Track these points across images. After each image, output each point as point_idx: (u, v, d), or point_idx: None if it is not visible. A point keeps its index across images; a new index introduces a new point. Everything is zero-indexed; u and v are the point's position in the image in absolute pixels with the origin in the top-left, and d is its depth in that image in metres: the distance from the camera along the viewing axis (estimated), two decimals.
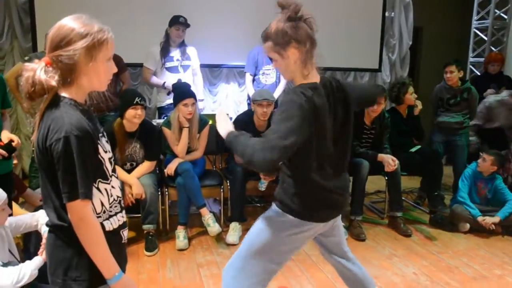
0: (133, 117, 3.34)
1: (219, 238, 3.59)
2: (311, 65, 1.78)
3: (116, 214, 1.50)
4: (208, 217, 3.48)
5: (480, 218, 3.86)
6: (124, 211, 1.55)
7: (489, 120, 4.64)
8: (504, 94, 4.63)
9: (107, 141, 1.49)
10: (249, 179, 3.72)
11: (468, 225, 3.95)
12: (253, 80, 4.74)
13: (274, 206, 1.85)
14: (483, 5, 6.21)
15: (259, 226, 1.86)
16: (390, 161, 3.89)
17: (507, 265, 3.38)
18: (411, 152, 4.33)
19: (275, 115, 1.73)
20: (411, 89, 4.32)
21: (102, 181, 1.42)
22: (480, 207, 3.99)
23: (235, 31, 5.07)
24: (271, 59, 1.82)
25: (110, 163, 1.46)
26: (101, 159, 1.41)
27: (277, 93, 4.62)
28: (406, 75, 4.37)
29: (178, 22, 4.27)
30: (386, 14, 5.91)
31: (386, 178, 4.05)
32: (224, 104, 5.44)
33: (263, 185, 3.63)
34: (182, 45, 4.44)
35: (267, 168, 1.59)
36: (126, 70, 4.23)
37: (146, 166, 3.53)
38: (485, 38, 6.16)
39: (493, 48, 6.12)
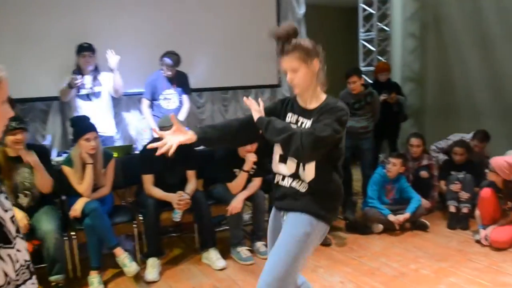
0: (12, 143, 3.05)
1: (138, 277, 3.35)
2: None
3: (24, 282, 1.24)
4: (123, 257, 3.25)
5: (391, 216, 4.04)
6: (34, 277, 1.29)
7: None
8: None
9: (6, 198, 1.24)
10: (162, 211, 3.55)
11: (381, 226, 4.11)
12: (152, 106, 4.59)
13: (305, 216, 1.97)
14: (367, 18, 6.64)
15: (295, 236, 1.96)
16: None
17: (420, 259, 3.55)
18: None
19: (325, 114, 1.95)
20: None
21: (4, 246, 1.15)
22: (390, 208, 4.18)
23: (133, 56, 4.87)
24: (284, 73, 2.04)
25: (13, 222, 1.21)
26: (0, 221, 1.16)
27: (181, 117, 4.50)
28: None
29: (82, 49, 4.16)
30: None
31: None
32: (127, 134, 5.18)
33: (177, 215, 3.47)
34: (94, 71, 4.26)
35: (314, 147, 1.85)
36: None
37: None
38: (372, 48, 6.58)
39: (380, 58, 6.55)
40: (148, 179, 3.54)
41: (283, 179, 2.08)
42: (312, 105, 2.04)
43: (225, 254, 3.65)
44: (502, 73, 5.79)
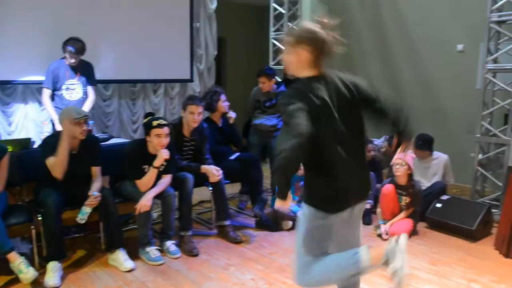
0: None
1: (36, 283, 3.06)
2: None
3: None
4: (19, 262, 2.97)
5: (300, 213, 4.13)
6: None
7: None
8: None
9: None
10: (64, 210, 3.29)
11: (290, 222, 4.19)
12: (54, 97, 4.27)
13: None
14: (278, 18, 6.73)
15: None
16: (214, 172, 3.91)
17: None
18: (231, 160, 4.41)
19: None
20: (223, 97, 4.41)
21: None
22: (298, 204, 4.27)
23: (32, 42, 4.48)
24: None
25: None
26: None
27: (86, 108, 4.24)
28: (213, 84, 4.47)
29: None
30: (193, 25, 5.95)
31: (211, 188, 4.04)
32: (23, 126, 4.77)
33: (84, 215, 3.25)
34: None
35: None
36: None
37: None
38: (283, 47, 6.67)
39: None
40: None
41: None
42: None
43: (133, 255, 3.50)
44: (399, 79, 6.21)
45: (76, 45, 4.19)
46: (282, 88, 4.85)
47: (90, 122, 4.34)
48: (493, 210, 4.26)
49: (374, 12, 6.50)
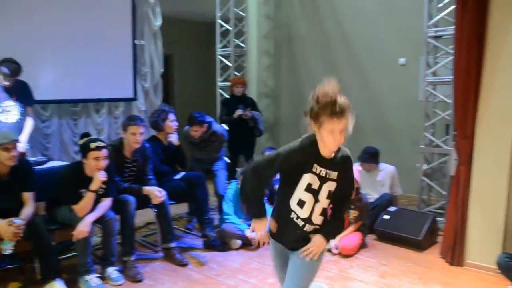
0: None
1: None
2: None
3: None
4: None
5: (248, 232, 4.05)
6: None
7: None
8: None
9: None
10: None
11: (239, 242, 4.09)
12: None
13: None
14: (224, 34, 6.71)
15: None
16: (156, 193, 3.77)
17: None
18: (176, 180, 4.28)
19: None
20: (171, 117, 4.28)
21: None
22: (246, 222, 4.19)
23: None
24: None
25: None
26: None
27: (26, 132, 4.00)
28: (162, 103, 4.34)
29: None
30: (136, 42, 5.81)
31: (155, 210, 3.89)
32: None
33: (7, 246, 2.99)
34: None
35: None
36: None
37: None
38: (229, 64, 6.66)
39: (236, 73, 6.65)
40: None
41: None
42: (332, 155, 2.14)
43: (73, 284, 3.30)
44: (345, 93, 6.22)
45: (10, 67, 3.96)
46: (215, 128, 4.73)
47: (26, 145, 4.12)
48: (439, 219, 4.32)
49: (319, 28, 6.59)
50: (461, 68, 3.56)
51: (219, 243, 4.10)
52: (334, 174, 2.12)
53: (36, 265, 3.38)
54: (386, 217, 4.26)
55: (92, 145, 3.31)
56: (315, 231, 2.15)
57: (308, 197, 2.11)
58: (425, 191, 4.86)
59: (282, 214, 2.18)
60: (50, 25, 4.90)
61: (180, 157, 4.51)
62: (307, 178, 2.09)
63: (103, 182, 3.40)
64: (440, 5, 4.67)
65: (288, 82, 7.10)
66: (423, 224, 4.01)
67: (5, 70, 3.91)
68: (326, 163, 2.11)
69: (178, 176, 4.31)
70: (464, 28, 3.50)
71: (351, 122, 2.08)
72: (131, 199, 3.67)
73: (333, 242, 3.98)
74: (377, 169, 4.72)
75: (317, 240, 2.12)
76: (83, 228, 3.25)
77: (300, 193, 2.12)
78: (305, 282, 2.18)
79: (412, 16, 5.45)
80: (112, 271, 3.47)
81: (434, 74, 4.74)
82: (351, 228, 4.05)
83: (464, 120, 3.58)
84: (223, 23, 6.66)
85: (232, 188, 4.36)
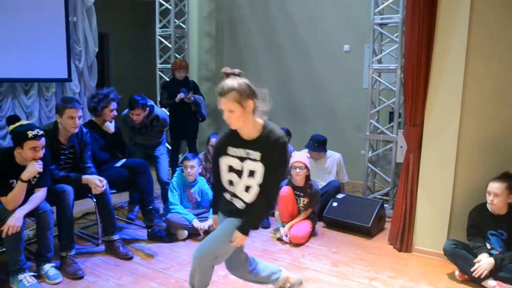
0: None
1: None
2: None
3: None
4: None
5: (195, 222, 3.89)
6: None
7: None
8: None
9: None
10: None
11: (186, 232, 3.91)
12: None
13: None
14: (164, 14, 6.38)
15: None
16: (97, 182, 3.49)
17: None
18: (117, 167, 3.99)
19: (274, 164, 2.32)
20: (113, 106, 3.95)
21: None
22: (193, 212, 4.02)
23: None
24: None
25: None
26: None
27: None
28: (111, 88, 4.00)
29: None
30: (69, 18, 5.36)
31: (95, 200, 3.60)
32: None
33: None
34: None
35: None
36: None
37: None
38: (169, 45, 6.36)
39: (177, 55, 6.37)
40: None
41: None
42: (253, 135, 2.32)
43: (4, 284, 2.99)
44: (290, 78, 6.23)
45: None
46: (157, 112, 4.49)
47: None
48: (385, 205, 4.38)
49: (263, 10, 6.45)
50: (411, 56, 3.57)
51: (165, 234, 3.90)
52: (255, 155, 2.30)
53: None
54: (335, 204, 4.25)
55: (30, 133, 2.96)
56: (246, 207, 2.39)
57: (233, 177, 2.40)
58: (370, 178, 4.92)
59: (220, 191, 2.51)
60: None
61: (119, 144, 4.23)
62: (224, 161, 2.40)
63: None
64: None
65: (230, 65, 6.71)
66: (372, 211, 4.03)
67: None
68: (245, 143, 2.33)
69: (118, 164, 4.03)
70: (415, 15, 3.49)
71: (244, 107, 2.23)
72: (69, 189, 3.37)
73: (282, 230, 3.91)
74: (324, 156, 4.70)
75: (237, 235, 2.33)
76: (14, 223, 2.92)
77: (224, 175, 2.43)
78: (219, 246, 2.43)
79: (357, 2, 5.45)
80: (49, 268, 3.17)
81: (379, 61, 4.77)
82: (301, 216, 3.99)
83: (414, 108, 3.61)
84: (162, 2, 6.35)
85: (177, 176, 4.16)
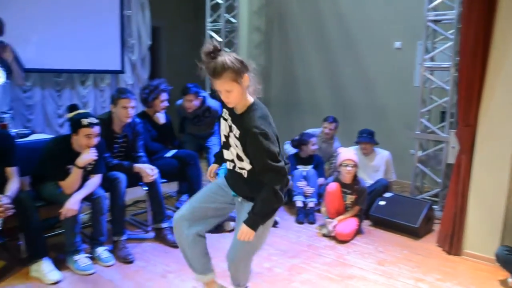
0: None
1: None
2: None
3: None
4: None
5: None
6: None
7: None
8: None
9: None
10: None
11: (232, 224, 3.97)
12: None
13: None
14: (214, 8, 6.47)
15: None
16: (148, 171, 3.61)
17: (273, 257, 3.50)
18: (167, 158, 4.11)
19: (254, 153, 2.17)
20: (163, 96, 4.07)
21: None
22: None
23: None
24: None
25: None
26: None
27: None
28: (162, 79, 4.13)
29: None
30: (124, 12, 5.53)
31: (146, 188, 3.72)
32: None
33: None
34: None
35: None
36: None
37: None
38: (220, 39, 6.44)
39: (227, 49, 6.44)
40: None
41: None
42: (239, 110, 2.20)
43: (60, 264, 3.14)
44: (339, 74, 6.18)
45: None
46: (209, 103, 4.58)
47: (7, 116, 3.89)
48: (434, 207, 4.29)
49: (312, 5, 6.41)
50: (466, 54, 3.47)
51: None
52: (236, 132, 2.20)
53: (21, 243, 3.21)
54: (382, 203, 4.20)
55: (84, 121, 3.10)
56: (250, 177, 2.24)
57: (225, 141, 2.33)
58: (419, 178, 4.82)
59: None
60: None
61: (169, 135, 4.34)
62: (223, 123, 2.33)
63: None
64: None
65: (279, 60, 6.94)
66: (420, 212, 3.96)
67: None
68: (233, 116, 2.24)
69: (169, 154, 4.14)
70: (472, 12, 3.39)
71: (240, 84, 2.10)
72: (122, 176, 3.50)
73: (333, 222, 3.88)
74: (373, 153, 4.65)
75: (244, 229, 2.19)
76: (71, 206, 3.07)
77: (222, 136, 2.36)
78: (240, 255, 2.38)
79: None
80: (102, 251, 3.32)
81: (431, 59, 4.66)
82: (348, 214, 3.97)
83: (468, 108, 3.51)
84: None
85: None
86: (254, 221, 2.18)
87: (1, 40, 3.90)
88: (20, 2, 4.50)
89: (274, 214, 2.27)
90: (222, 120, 2.35)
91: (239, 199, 2.36)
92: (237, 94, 2.11)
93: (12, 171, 3.08)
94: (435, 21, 4.58)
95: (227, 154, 2.35)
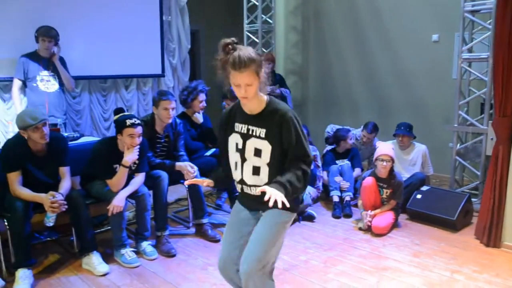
0: None
1: None
2: None
3: None
4: None
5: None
6: None
7: None
8: None
9: None
10: (33, 213, 3.12)
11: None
12: (25, 90, 4.22)
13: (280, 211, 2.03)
14: (251, 10, 6.61)
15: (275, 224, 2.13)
16: (189, 169, 3.78)
17: (309, 250, 3.60)
18: (207, 156, 4.28)
19: (289, 141, 2.05)
20: (201, 97, 4.24)
21: None
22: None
23: None
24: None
25: None
26: None
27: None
28: (200, 81, 4.32)
29: None
30: (164, 18, 5.78)
31: (187, 186, 3.90)
32: None
33: (50, 219, 3.04)
34: None
35: None
36: None
37: None
38: (257, 40, 6.58)
39: (264, 50, 6.57)
40: (13, 178, 3.07)
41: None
42: (256, 109, 2.09)
43: (108, 258, 3.36)
44: (375, 70, 6.17)
45: (50, 31, 4.14)
46: None
47: (59, 121, 4.18)
48: (473, 200, 4.24)
49: (349, 3, 6.43)
50: (503, 44, 3.44)
51: None
52: (260, 131, 2.08)
53: (73, 238, 3.47)
54: (419, 196, 4.20)
55: (128, 122, 3.31)
56: (262, 195, 1.92)
57: (235, 157, 2.15)
58: (458, 171, 4.77)
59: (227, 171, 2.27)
60: (80, 3, 4.90)
61: (208, 134, 4.51)
62: (232, 138, 2.16)
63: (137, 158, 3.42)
64: None
65: (316, 59, 6.99)
66: (458, 204, 3.93)
67: (44, 33, 4.09)
68: (248, 119, 2.11)
69: (209, 153, 4.32)
70: (508, 1, 3.36)
71: (259, 79, 2.02)
72: (164, 174, 3.69)
73: (369, 214, 3.94)
74: (411, 147, 4.65)
75: (269, 189, 1.89)
76: (118, 203, 3.28)
77: (231, 154, 2.18)
78: (263, 253, 2.08)
79: None
80: (146, 245, 3.52)
81: (469, 50, 4.60)
82: (385, 208, 4.00)
83: (504, 98, 3.47)
84: None
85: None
86: (279, 186, 1.94)
87: (54, 50, 4.22)
88: (69, 15, 4.80)
89: (292, 197, 2.01)
90: (232, 136, 2.18)
91: (261, 211, 2.19)
92: (255, 88, 2.02)
93: (65, 171, 3.33)
94: (473, 12, 4.52)
95: (236, 174, 2.18)
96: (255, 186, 2.12)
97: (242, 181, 2.16)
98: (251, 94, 2.02)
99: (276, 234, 2.13)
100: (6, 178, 3.10)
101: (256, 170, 2.11)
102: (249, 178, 2.13)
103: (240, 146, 2.13)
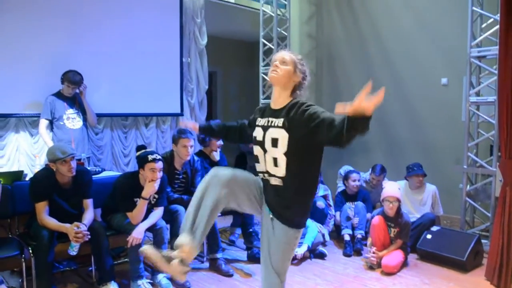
0: None
1: None
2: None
3: None
4: None
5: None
6: None
7: None
8: None
9: None
10: (57, 243, 3.28)
11: None
12: (52, 128, 4.45)
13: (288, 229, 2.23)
14: (267, 53, 6.89)
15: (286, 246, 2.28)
16: None
17: (319, 286, 3.67)
18: None
19: (314, 112, 2.10)
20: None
21: None
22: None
23: (24, 75, 4.56)
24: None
25: None
26: None
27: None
28: (205, 118, 4.55)
29: None
30: (183, 60, 6.07)
31: None
32: (15, 159, 4.75)
33: (74, 248, 3.21)
34: None
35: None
36: None
37: None
38: None
39: None
40: (41, 208, 3.26)
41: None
42: (281, 104, 2.24)
43: None
44: (386, 112, 6.33)
45: (75, 77, 4.40)
46: None
47: (83, 155, 4.40)
48: (483, 241, 4.30)
49: (361, 46, 6.69)
50: (506, 87, 3.60)
51: None
52: (278, 121, 2.19)
53: (91, 268, 3.60)
54: (429, 236, 4.27)
55: (150, 157, 3.51)
56: (285, 185, 2.16)
57: (257, 150, 2.27)
58: (468, 212, 4.84)
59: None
60: (104, 43, 5.20)
61: None
62: (255, 133, 2.31)
63: (156, 192, 3.58)
64: (484, 25, 4.73)
65: (329, 102, 7.18)
66: (467, 245, 4.00)
67: (70, 79, 4.34)
68: (271, 113, 2.26)
69: None
70: (508, 47, 3.54)
71: (294, 71, 2.24)
72: (181, 209, 3.84)
73: (370, 251, 4.05)
74: (422, 187, 4.74)
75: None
76: (137, 235, 3.43)
77: (255, 148, 2.30)
78: (279, 263, 2.29)
79: (454, 36, 5.49)
80: (161, 278, 3.62)
81: (477, 94, 4.76)
82: (393, 247, 4.08)
83: (509, 140, 3.60)
84: (266, 42, 6.85)
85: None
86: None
87: (81, 88, 4.52)
88: (93, 58, 5.09)
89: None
90: (255, 130, 2.32)
91: (271, 215, 2.25)
92: (287, 72, 2.21)
93: (88, 203, 3.52)
94: (479, 57, 4.70)
95: (259, 166, 2.29)
96: (274, 176, 2.20)
97: (267, 172, 2.24)
98: (281, 72, 2.21)
99: (288, 257, 2.33)
100: (34, 208, 3.28)
101: (275, 161, 2.18)
102: (271, 168, 2.21)
103: (260, 138, 2.25)
